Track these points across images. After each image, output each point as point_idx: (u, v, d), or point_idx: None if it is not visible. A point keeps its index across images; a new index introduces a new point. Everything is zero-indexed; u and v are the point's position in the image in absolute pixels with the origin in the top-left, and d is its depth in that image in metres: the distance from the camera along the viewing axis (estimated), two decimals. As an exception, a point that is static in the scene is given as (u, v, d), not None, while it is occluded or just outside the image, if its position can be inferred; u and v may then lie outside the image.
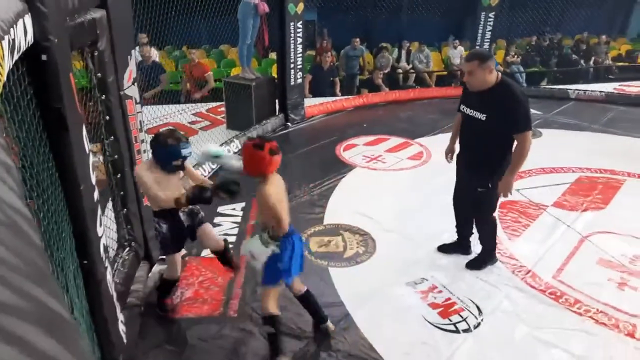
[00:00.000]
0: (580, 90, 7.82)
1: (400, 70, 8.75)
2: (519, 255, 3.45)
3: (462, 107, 2.98)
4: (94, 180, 2.39)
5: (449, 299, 3.00)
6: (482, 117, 2.82)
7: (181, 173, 2.72)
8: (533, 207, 4.13)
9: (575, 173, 4.80)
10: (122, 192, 3.06)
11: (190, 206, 2.75)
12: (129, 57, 3.14)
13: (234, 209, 4.07)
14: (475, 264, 3.31)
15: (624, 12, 12.11)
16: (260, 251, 2.46)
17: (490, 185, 2.96)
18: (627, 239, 3.68)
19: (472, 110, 2.89)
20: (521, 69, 9.13)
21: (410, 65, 8.84)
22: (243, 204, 4.13)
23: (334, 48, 8.97)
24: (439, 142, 5.47)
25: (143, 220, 3.24)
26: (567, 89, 7.88)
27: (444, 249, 3.50)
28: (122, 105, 3.07)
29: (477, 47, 7.59)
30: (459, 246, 3.47)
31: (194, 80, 7.13)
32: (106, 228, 2.68)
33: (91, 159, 2.39)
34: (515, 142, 2.81)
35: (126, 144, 3.10)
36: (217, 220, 3.90)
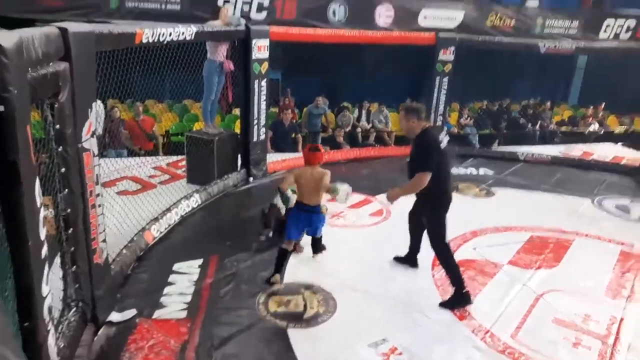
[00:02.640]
0: (528, 152, 8.28)
1: (360, 129, 9.03)
2: (477, 315, 3.48)
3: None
4: (43, 236, 2.28)
5: (410, 360, 2.95)
6: (408, 159, 3.53)
7: None
8: (489, 266, 4.22)
9: (528, 232, 4.97)
10: (72, 248, 2.91)
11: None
12: (89, 109, 3.11)
13: (190, 266, 3.93)
14: (448, 304, 3.55)
15: (564, 81, 13.20)
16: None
17: (429, 217, 3.58)
18: (579, 297, 3.80)
19: (410, 155, 3.58)
20: (474, 130, 9.63)
21: (370, 125, 9.16)
22: (200, 261, 4.01)
23: (296, 106, 9.22)
24: (399, 200, 5.59)
25: (92, 278, 3.07)
26: (516, 152, 8.32)
27: (398, 259, 4.09)
28: (80, 158, 3.00)
29: (432, 109, 7.97)
30: (408, 260, 4.05)
31: (143, 134, 7.10)
32: (53, 287, 2.52)
33: (42, 212, 2.29)
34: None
35: (80, 198, 2.99)
36: (171, 278, 3.75)
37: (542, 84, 12.29)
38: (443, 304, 3.53)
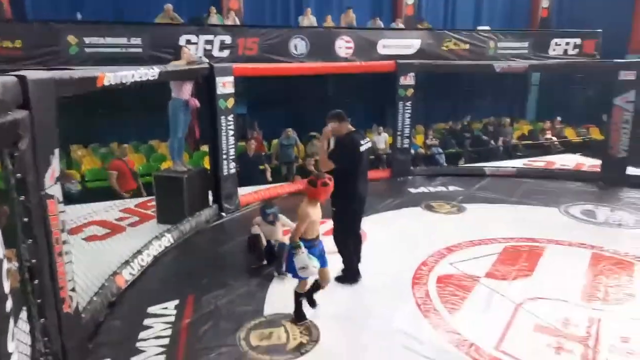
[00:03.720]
0: (494, 167, 8.51)
1: (330, 157, 9.11)
2: (460, 329, 3.48)
3: None
4: (7, 289, 2.18)
5: (398, 382, 2.91)
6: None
7: (277, 223, 4.73)
8: (467, 280, 4.25)
9: (501, 243, 5.06)
10: (39, 300, 2.79)
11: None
12: (51, 156, 3.04)
13: (165, 307, 3.81)
14: (339, 279, 4.12)
15: (521, 98, 13.79)
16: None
17: (335, 208, 3.96)
18: (557, 303, 3.86)
19: None
20: (440, 150, 9.87)
21: (340, 152, 9.26)
22: (176, 302, 3.89)
23: (264, 139, 9.28)
24: (373, 223, 5.63)
25: (62, 330, 2.93)
26: (482, 167, 8.54)
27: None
28: (43, 206, 2.91)
29: (397, 132, 8.13)
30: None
31: (131, 173, 7.05)
32: (19, 343, 2.39)
33: (5, 265, 2.20)
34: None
35: (46, 247, 2.89)
36: (146, 322, 3.61)
37: (501, 102, 12.80)
38: (337, 279, 4.09)
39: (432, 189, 7.37)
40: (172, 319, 3.65)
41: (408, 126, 8.18)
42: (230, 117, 6.15)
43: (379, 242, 5.09)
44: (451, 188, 7.43)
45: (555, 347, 3.26)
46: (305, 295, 3.61)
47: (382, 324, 3.58)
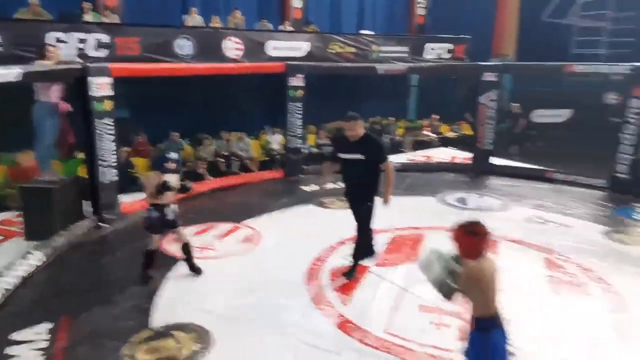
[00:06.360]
0: (381, 163, 8.99)
1: (221, 159, 8.92)
2: (352, 317, 3.61)
3: (339, 154, 4.14)
4: None
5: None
6: (362, 157, 3.96)
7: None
8: (358, 270, 4.42)
9: (389, 233, 5.35)
10: None
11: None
12: None
13: (37, 332, 3.40)
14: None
15: (402, 98, 14.76)
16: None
17: (371, 202, 4.15)
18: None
19: (351, 154, 4.01)
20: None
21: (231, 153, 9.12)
22: (49, 325, 3.50)
23: (150, 144, 8.80)
24: (267, 222, 5.63)
25: None
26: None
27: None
28: None
29: (287, 132, 8.22)
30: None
31: None
32: None
33: None
34: (383, 169, 4.09)
35: None
36: (10, 350, 3.18)
37: (385, 102, 13.56)
38: (360, 256, 4.28)
39: (324, 186, 7.56)
40: (45, 344, 3.27)
41: (300, 126, 8.32)
42: (107, 121, 5.71)
43: (273, 241, 5.10)
44: (342, 184, 7.67)
45: (437, 324, 3.53)
46: None
47: (278, 321, 3.58)
